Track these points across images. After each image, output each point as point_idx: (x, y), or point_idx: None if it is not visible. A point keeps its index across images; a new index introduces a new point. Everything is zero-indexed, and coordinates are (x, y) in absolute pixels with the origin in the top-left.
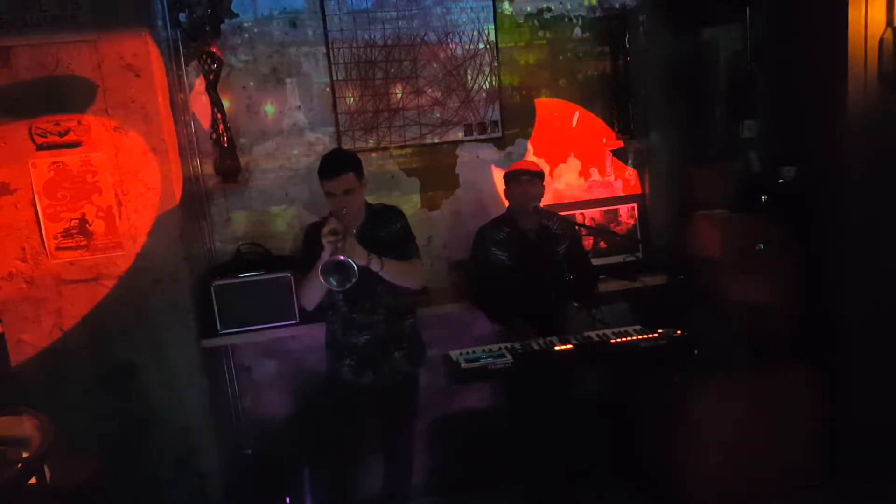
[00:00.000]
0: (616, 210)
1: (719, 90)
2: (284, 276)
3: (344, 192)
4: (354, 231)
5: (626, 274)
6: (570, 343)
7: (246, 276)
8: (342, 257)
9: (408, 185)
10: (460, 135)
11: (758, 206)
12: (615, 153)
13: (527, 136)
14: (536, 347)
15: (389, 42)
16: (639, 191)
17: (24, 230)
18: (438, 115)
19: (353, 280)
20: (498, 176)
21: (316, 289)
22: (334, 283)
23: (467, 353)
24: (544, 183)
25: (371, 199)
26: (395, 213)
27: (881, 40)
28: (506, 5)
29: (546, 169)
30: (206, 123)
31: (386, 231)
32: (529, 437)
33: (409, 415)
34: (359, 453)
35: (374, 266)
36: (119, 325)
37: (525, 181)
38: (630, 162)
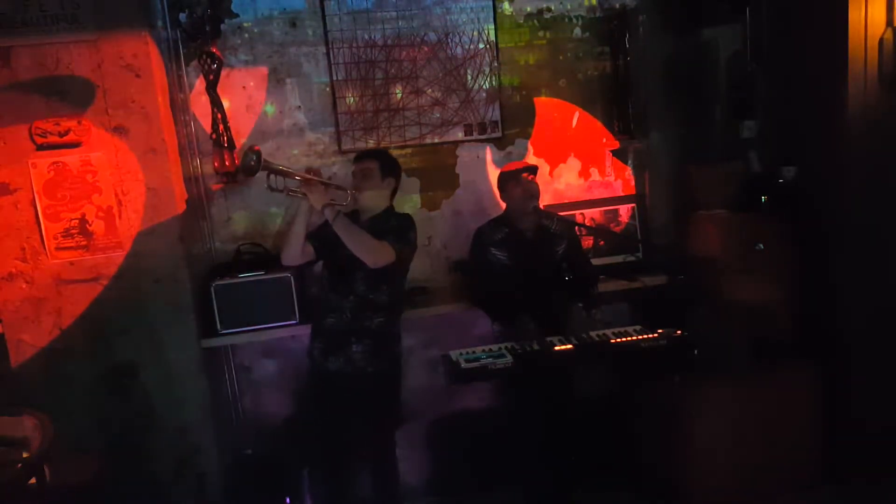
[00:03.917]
0: (616, 210)
1: (719, 90)
2: (284, 276)
3: (362, 172)
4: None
5: (626, 274)
6: (570, 343)
7: (246, 276)
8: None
9: (408, 185)
10: (460, 135)
11: (758, 206)
12: (615, 153)
13: (527, 136)
14: (536, 347)
15: (389, 42)
16: (639, 191)
17: (24, 230)
18: (438, 115)
19: (252, 172)
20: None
21: (288, 231)
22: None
23: (467, 353)
24: (544, 182)
25: None
26: (401, 216)
27: (881, 40)
28: (506, 5)
29: (546, 169)
30: (206, 123)
31: (386, 224)
32: (530, 437)
33: (384, 416)
34: (341, 448)
35: (328, 215)
36: (119, 325)
37: (523, 180)
38: (630, 162)
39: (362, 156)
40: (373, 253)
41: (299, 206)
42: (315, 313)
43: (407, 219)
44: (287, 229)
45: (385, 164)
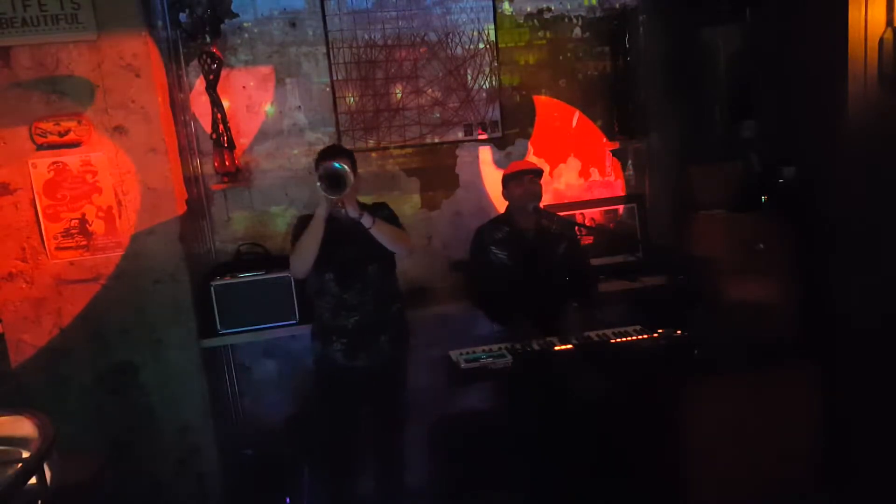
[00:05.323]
0: (616, 210)
1: (719, 90)
2: (284, 276)
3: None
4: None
5: (626, 274)
6: (570, 343)
7: (246, 276)
8: (337, 164)
9: (408, 185)
10: (460, 135)
11: (758, 206)
12: (615, 153)
13: (527, 136)
14: (536, 347)
15: (389, 42)
16: (639, 191)
17: (24, 230)
18: (438, 115)
19: (346, 189)
20: (498, 176)
21: (307, 241)
22: (326, 189)
23: (467, 353)
24: (543, 182)
25: (372, 199)
26: (382, 205)
27: (881, 40)
28: (506, 5)
29: (546, 169)
30: (206, 123)
31: (381, 215)
32: (529, 437)
33: (397, 413)
34: (355, 446)
35: (366, 221)
36: (119, 325)
37: (527, 181)
38: (630, 162)
39: (331, 154)
40: (405, 241)
41: (315, 215)
42: (329, 317)
43: (388, 206)
44: (302, 241)
45: (353, 161)
